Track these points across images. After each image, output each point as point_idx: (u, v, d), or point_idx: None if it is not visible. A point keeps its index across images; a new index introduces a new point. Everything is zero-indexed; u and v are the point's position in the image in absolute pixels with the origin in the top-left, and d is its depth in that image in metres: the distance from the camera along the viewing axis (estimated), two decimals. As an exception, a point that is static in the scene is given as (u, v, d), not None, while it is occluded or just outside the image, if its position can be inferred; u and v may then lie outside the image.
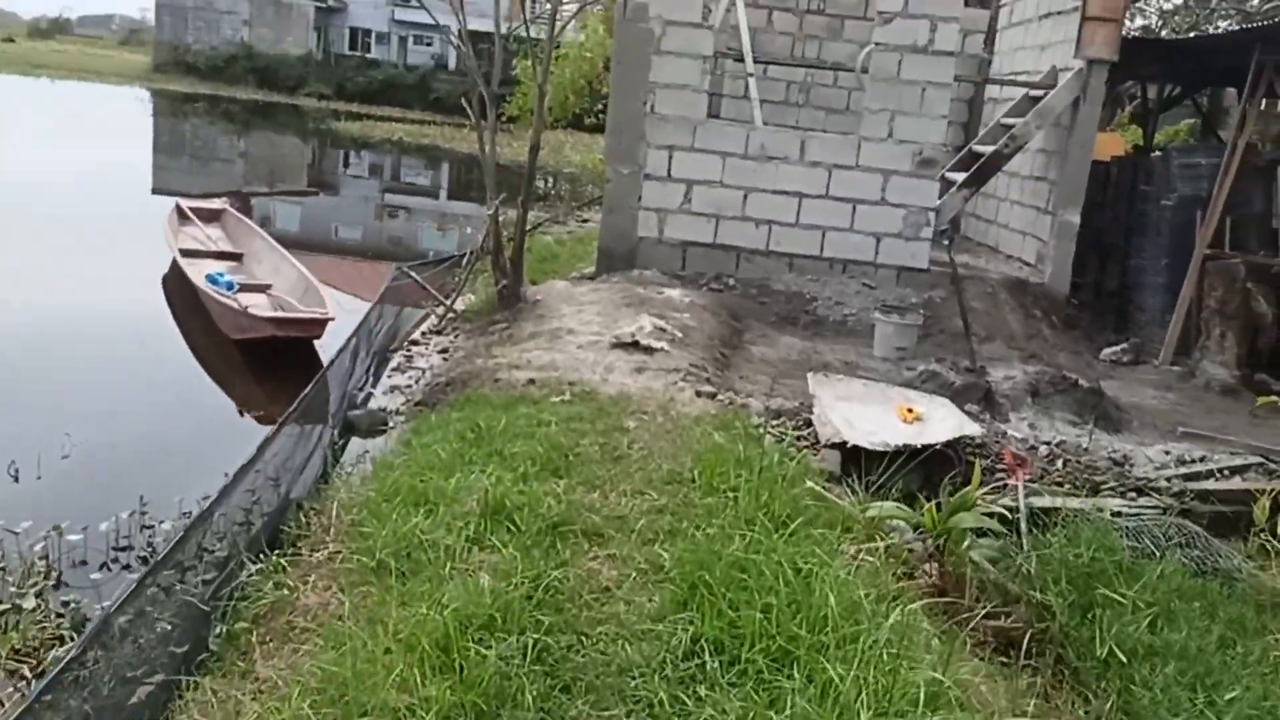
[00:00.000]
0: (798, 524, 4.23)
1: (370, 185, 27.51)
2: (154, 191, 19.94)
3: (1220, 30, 9.48)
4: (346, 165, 31.34)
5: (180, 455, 6.56)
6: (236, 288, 9.68)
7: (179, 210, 12.32)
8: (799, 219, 10.48)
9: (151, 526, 5.26)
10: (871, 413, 6.22)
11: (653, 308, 8.84)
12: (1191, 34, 10.42)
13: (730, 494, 4.53)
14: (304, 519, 4.69)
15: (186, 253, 10.96)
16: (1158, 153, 10.29)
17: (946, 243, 7.87)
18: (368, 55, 49.54)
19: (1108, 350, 9.50)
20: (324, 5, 48.24)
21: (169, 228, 11.51)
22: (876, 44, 10.13)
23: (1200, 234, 9.46)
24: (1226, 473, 6.03)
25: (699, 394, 6.43)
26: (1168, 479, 5.91)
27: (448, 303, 9.44)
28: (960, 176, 10.72)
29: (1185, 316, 9.41)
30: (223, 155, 30.32)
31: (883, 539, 4.48)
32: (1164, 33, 20.61)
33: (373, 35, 49.57)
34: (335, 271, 14.70)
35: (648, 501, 4.56)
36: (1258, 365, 8.77)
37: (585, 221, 15.91)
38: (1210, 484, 5.84)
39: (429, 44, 48.96)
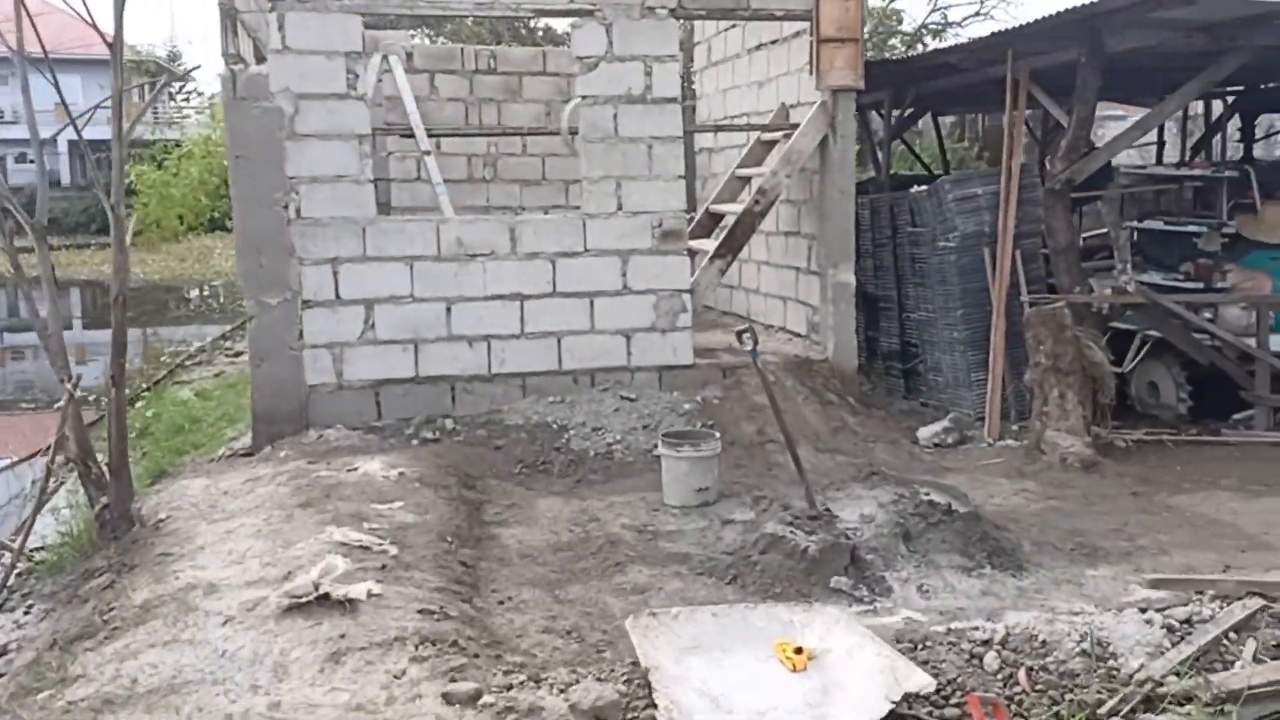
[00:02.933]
0: None
1: (-20, 328, 22.46)
2: None
3: (955, 42, 8.01)
4: (-54, 311, 25.53)
5: None
6: None
7: None
8: (524, 327, 8.01)
9: None
10: (742, 666, 3.80)
11: (344, 501, 5.99)
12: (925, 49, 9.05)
13: None
14: None
15: None
16: (920, 187, 8.80)
17: (751, 346, 5.69)
18: (-42, 182, 41.84)
19: (925, 431, 7.74)
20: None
21: None
22: (583, 97, 7.93)
23: (995, 279, 7.98)
24: (1233, 637, 4.15)
25: (449, 697, 3.71)
26: (1178, 673, 3.92)
27: (15, 548, 6.03)
28: (707, 245, 8.73)
29: (1001, 377, 7.86)
30: None
31: None
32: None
33: (-39, 158, 41.99)
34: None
35: None
36: (1100, 422, 7.29)
37: (240, 355, 12.55)
38: (1240, 672, 3.91)
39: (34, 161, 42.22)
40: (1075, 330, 7.04)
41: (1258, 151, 12.28)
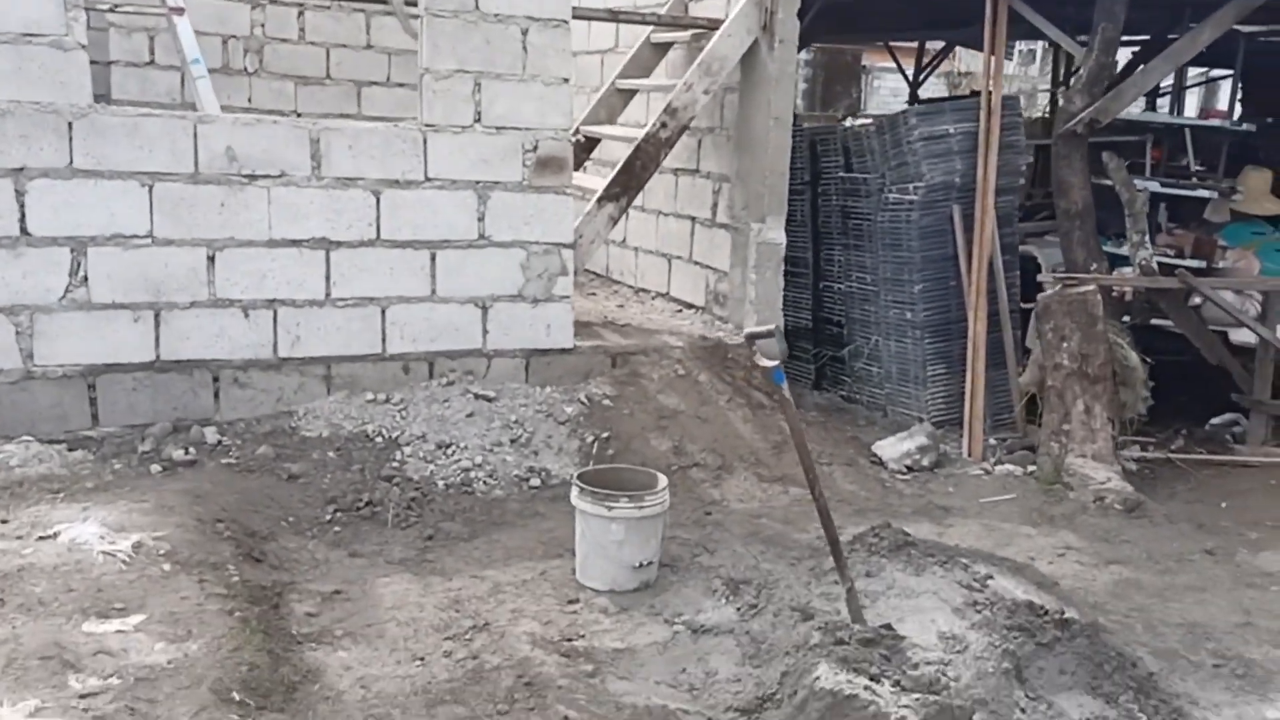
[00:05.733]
0: None
1: None
2: None
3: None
4: None
5: None
6: None
7: None
8: (331, 290, 5.39)
9: None
10: None
11: (31, 616, 3.30)
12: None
13: None
14: None
15: None
16: (862, 120, 6.83)
17: (775, 360, 3.44)
18: None
19: (891, 449, 5.83)
20: None
21: None
22: (430, -53, 5.31)
23: (975, 245, 6.15)
24: None
25: None
26: None
27: None
28: (594, 183, 6.38)
29: (981, 377, 6.08)
30: None
31: None
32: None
33: None
34: None
35: None
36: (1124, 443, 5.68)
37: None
38: None
39: None
40: (1108, 326, 5.33)
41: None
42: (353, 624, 3.75)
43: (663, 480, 4.23)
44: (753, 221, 6.38)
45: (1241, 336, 6.81)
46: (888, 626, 3.43)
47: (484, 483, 5.08)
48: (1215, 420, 6.77)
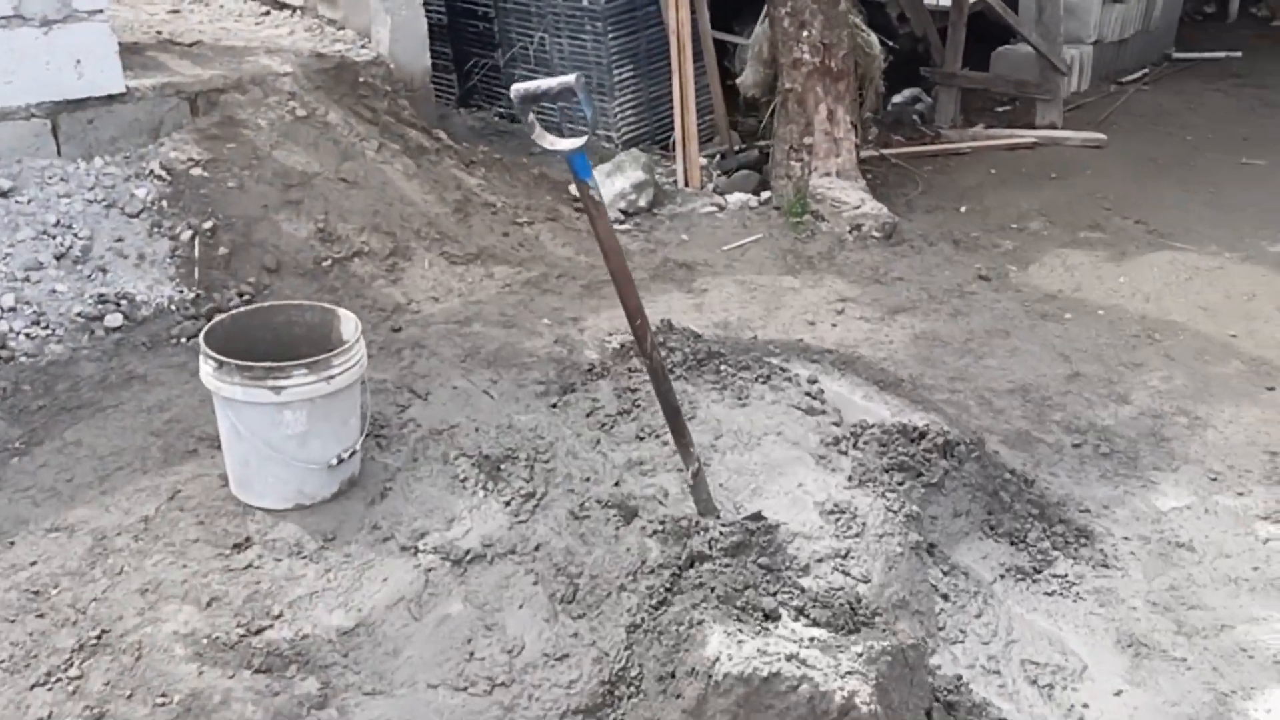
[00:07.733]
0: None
1: None
2: None
3: None
4: None
5: None
6: None
7: None
8: None
9: None
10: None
11: None
12: None
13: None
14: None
15: None
16: None
17: (575, 143, 1.97)
18: None
19: (607, 178, 4.51)
20: None
21: None
22: None
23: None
24: None
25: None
26: None
27: None
28: None
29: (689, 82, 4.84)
30: None
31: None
32: None
33: None
34: None
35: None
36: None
37: None
38: None
39: None
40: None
41: None
42: None
43: (349, 320, 2.68)
44: (365, -126, 4.40)
45: (930, -1, 6.17)
46: (756, 516, 2.36)
47: (25, 337, 3.20)
48: (896, 99, 6.21)
